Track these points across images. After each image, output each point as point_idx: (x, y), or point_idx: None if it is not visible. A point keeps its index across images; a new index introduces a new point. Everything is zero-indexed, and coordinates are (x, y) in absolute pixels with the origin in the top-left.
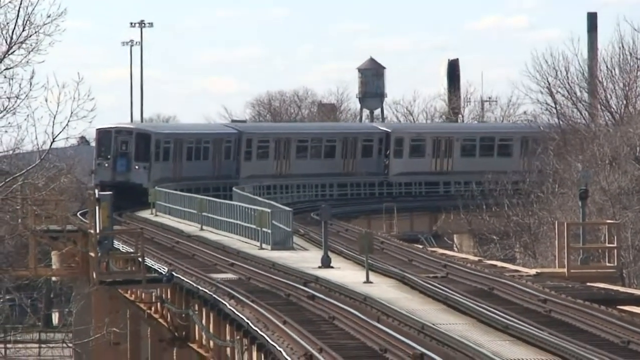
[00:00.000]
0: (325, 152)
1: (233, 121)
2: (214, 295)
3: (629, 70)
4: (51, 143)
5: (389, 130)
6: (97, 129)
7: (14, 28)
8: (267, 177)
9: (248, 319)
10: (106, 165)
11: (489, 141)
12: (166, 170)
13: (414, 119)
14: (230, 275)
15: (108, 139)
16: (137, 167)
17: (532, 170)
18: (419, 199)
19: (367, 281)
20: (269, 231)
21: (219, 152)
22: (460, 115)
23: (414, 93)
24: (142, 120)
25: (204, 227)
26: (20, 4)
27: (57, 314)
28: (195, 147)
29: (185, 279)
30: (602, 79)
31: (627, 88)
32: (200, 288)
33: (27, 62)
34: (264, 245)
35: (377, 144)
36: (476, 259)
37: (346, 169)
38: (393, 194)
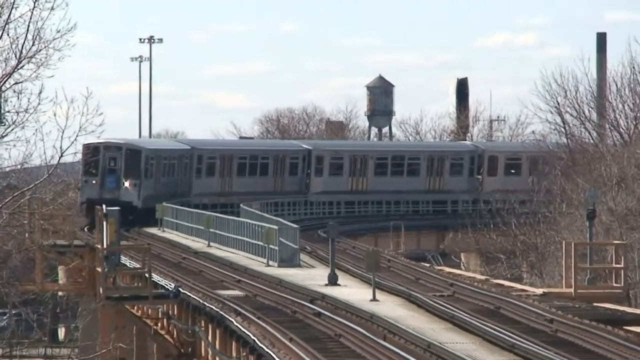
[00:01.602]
0: (260, 170)
1: (241, 137)
2: (221, 312)
3: (639, 90)
4: (59, 158)
5: (310, 148)
6: (84, 144)
7: (24, 43)
8: (212, 195)
9: (254, 336)
10: (93, 182)
11: (400, 160)
12: (151, 187)
13: (421, 138)
14: (236, 292)
15: (96, 155)
16: (127, 184)
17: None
18: (426, 217)
19: (374, 299)
20: (276, 248)
21: (181, 169)
22: (468, 134)
23: (420, 112)
24: (150, 136)
25: (211, 244)
26: (30, 18)
27: (63, 329)
28: (168, 164)
29: (192, 296)
30: (611, 99)
31: (637, 108)
32: (207, 304)
33: (37, 76)
34: (270, 262)
35: (301, 162)
36: (483, 278)
37: (277, 187)
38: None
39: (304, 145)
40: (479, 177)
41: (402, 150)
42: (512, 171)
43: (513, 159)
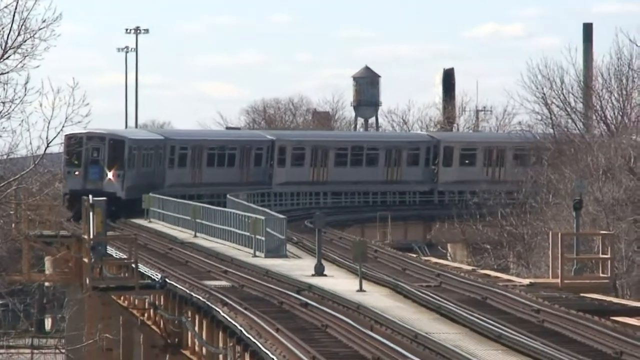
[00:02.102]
0: (228, 161)
1: (228, 128)
2: (207, 302)
3: (625, 81)
4: (45, 148)
5: (274, 139)
6: (66, 135)
7: (9, 33)
8: (184, 187)
9: (241, 326)
10: (76, 173)
11: (359, 150)
12: (133, 178)
13: (408, 128)
14: (223, 283)
15: (78, 146)
16: (110, 175)
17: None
18: (413, 208)
19: (361, 289)
20: (263, 239)
21: (156, 160)
22: (455, 125)
23: (408, 102)
24: (136, 126)
25: (198, 234)
26: (16, 8)
27: (50, 320)
28: (147, 155)
29: (179, 286)
30: (598, 89)
31: (623, 99)
32: (194, 295)
33: (22, 67)
34: (257, 253)
35: (265, 153)
36: (470, 268)
37: (243, 178)
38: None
39: (267, 136)
40: (434, 167)
41: (361, 140)
42: (467, 162)
43: (468, 150)
